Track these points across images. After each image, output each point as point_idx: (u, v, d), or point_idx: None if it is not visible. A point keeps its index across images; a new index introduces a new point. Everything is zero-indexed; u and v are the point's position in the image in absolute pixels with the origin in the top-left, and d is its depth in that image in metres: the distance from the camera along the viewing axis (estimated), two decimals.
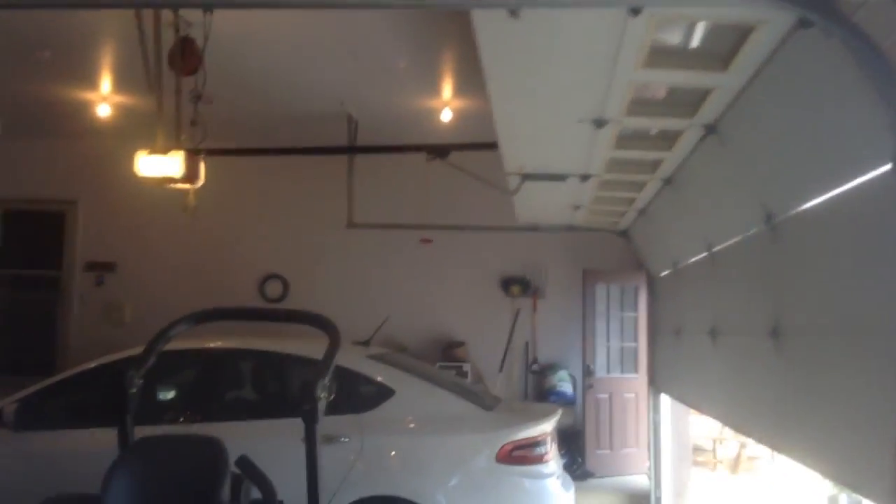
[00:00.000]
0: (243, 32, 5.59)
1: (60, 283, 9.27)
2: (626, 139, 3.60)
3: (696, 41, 2.55)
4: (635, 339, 8.79)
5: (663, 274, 5.88)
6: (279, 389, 5.73)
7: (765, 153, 2.93)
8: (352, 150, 7.75)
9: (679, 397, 5.67)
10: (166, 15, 5.21)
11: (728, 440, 9.02)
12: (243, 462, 3.46)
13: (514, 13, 2.16)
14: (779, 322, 2.97)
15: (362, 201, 8.18)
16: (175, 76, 5.51)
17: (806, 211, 2.68)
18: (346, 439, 4.68)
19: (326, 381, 3.60)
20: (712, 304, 4.23)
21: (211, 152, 5.88)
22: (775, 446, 3.16)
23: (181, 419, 4.93)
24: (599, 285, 8.90)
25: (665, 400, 6.44)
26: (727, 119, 3.01)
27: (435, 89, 6.90)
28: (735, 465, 9.03)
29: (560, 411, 5.35)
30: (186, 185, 5.65)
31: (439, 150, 5.82)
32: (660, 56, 2.52)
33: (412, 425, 4.90)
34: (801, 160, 2.62)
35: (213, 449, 3.64)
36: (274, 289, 9.14)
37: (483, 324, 8.92)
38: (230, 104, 6.50)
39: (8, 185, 9.15)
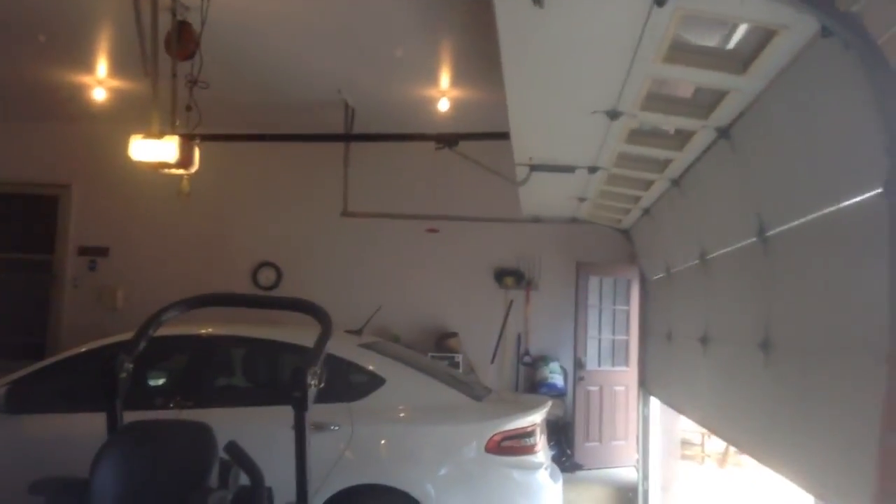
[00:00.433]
0: (240, 18, 5.57)
1: (53, 267, 9.25)
2: (638, 134, 3.60)
3: (717, 42, 2.54)
4: (627, 333, 8.83)
5: (657, 276, 5.88)
6: (270, 377, 5.74)
7: (769, 163, 2.92)
8: (348, 137, 7.74)
9: (668, 401, 5.67)
10: None
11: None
12: (232, 448, 3.47)
13: (538, 1, 2.15)
14: (768, 335, 2.97)
15: (357, 190, 8.17)
16: (171, 60, 5.49)
17: (799, 226, 2.67)
18: (336, 427, 4.69)
19: (317, 368, 3.61)
20: (704, 311, 4.22)
21: (206, 138, 5.86)
22: (760, 458, 3.17)
23: (171, 405, 4.92)
24: (592, 278, 8.92)
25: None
26: (740, 124, 2.99)
27: (433, 79, 6.89)
28: (723, 459, 9.08)
29: (550, 402, 5.37)
30: (181, 171, 5.63)
31: (448, 139, 5.77)
32: (680, 52, 2.51)
33: (402, 414, 4.91)
34: (801, 174, 2.61)
35: (203, 434, 3.66)
36: (267, 276, 9.13)
37: (476, 315, 8.94)
38: (226, 90, 6.48)
39: (1, 169, 9.12)
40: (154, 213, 8.92)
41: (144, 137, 5.42)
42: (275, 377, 5.69)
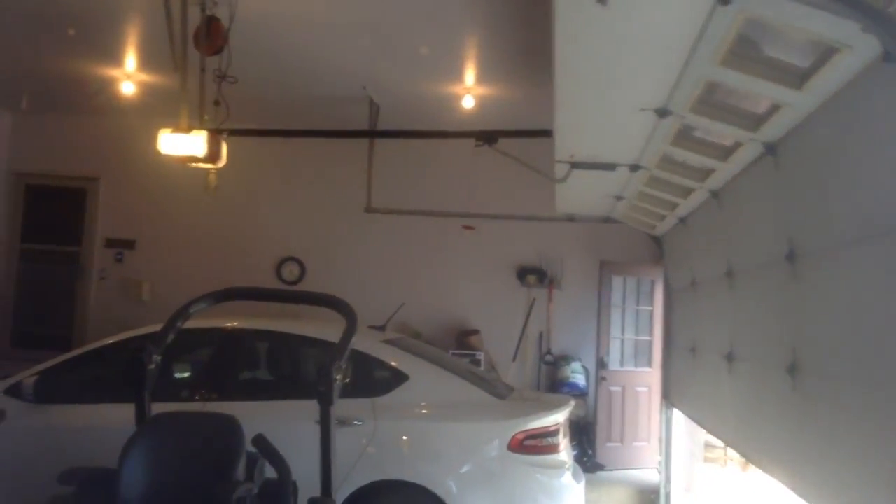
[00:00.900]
0: (268, 13, 5.59)
1: (80, 259, 9.35)
2: (684, 139, 3.56)
3: (775, 53, 2.48)
4: (650, 333, 8.77)
5: (684, 287, 5.82)
6: (294, 371, 5.76)
7: (811, 184, 2.84)
8: (373, 134, 7.75)
9: (691, 415, 5.62)
10: None
11: None
12: (260, 441, 3.49)
13: (602, 1, 2.14)
14: (796, 359, 2.92)
15: (381, 186, 8.19)
16: (200, 55, 5.52)
17: (831, 252, 2.62)
18: (360, 423, 4.69)
19: (342, 363, 3.62)
20: (730, 328, 4.17)
21: (233, 132, 5.89)
22: (788, 484, 3.12)
23: (196, 397, 4.96)
24: (616, 277, 8.89)
25: None
26: (788, 142, 2.92)
27: (457, 75, 6.88)
28: (746, 462, 8.99)
29: (573, 402, 5.35)
30: (208, 165, 5.66)
31: (487, 136, 5.73)
32: (738, 57, 2.46)
33: (425, 411, 4.91)
34: (841, 199, 2.54)
35: (230, 427, 3.68)
36: (291, 271, 9.17)
37: (498, 313, 8.91)
38: (253, 85, 6.50)
39: (31, 161, 9.26)
40: (180, 206, 8.98)
41: (173, 131, 5.46)
42: (299, 371, 5.71)
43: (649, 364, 8.70)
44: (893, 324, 2.10)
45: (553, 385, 8.73)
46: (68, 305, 9.26)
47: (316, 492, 3.59)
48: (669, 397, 6.48)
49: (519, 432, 4.74)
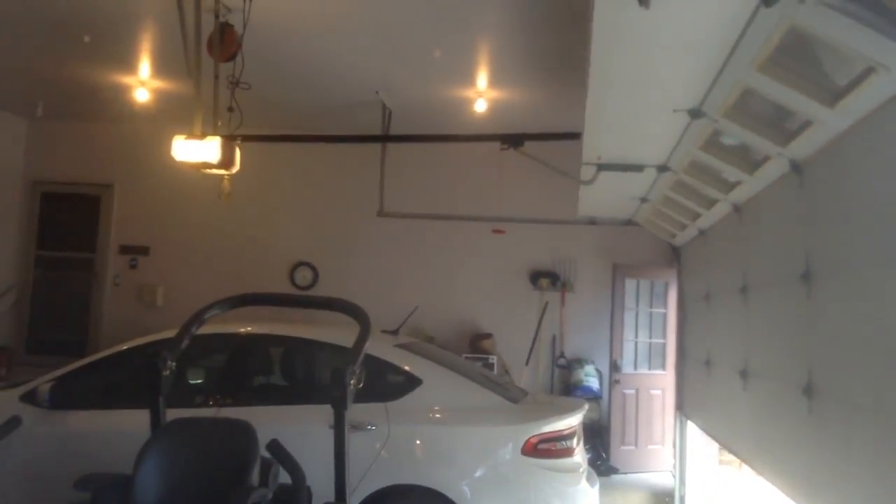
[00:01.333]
0: (281, 20, 5.62)
1: (95, 265, 9.41)
2: (714, 145, 3.53)
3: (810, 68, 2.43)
4: (664, 336, 8.73)
5: (699, 299, 5.80)
6: (308, 376, 5.77)
7: (834, 207, 2.79)
8: (386, 138, 7.77)
9: (706, 429, 5.59)
10: (207, 0, 5.25)
11: None
12: (274, 446, 3.50)
13: (644, 2, 2.13)
14: (812, 380, 2.89)
15: (393, 191, 8.21)
16: (213, 62, 5.55)
17: (850, 277, 2.58)
18: (373, 427, 4.69)
19: (356, 368, 3.63)
20: (745, 343, 4.14)
21: (246, 138, 5.92)
22: (801, 502, 3.10)
23: (210, 403, 4.97)
24: (629, 280, 8.85)
25: None
26: (815, 162, 2.88)
27: (470, 79, 6.89)
28: None
29: (587, 405, 5.33)
30: (222, 171, 5.68)
31: (513, 140, 5.74)
32: (776, 66, 2.43)
33: (438, 415, 4.90)
34: (863, 225, 2.50)
35: (244, 432, 3.68)
36: (304, 276, 9.20)
37: (510, 316, 8.90)
38: (266, 91, 6.53)
39: (46, 168, 9.34)
40: (194, 213, 9.04)
41: (187, 138, 5.48)
42: (312, 376, 5.72)
43: (663, 367, 8.65)
44: None
45: (566, 388, 8.71)
46: (83, 312, 9.33)
47: (330, 496, 3.60)
48: (684, 409, 6.45)
49: (533, 436, 4.73)
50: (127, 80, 7.36)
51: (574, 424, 4.94)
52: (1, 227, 9.26)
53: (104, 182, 9.38)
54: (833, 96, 2.40)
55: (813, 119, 2.62)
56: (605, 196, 5.36)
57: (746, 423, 4.09)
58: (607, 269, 8.81)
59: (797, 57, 2.45)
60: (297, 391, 5.56)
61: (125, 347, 5.28)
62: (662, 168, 4.25)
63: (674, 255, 7.00)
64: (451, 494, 4.61)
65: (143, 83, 7.42)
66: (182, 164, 5.56)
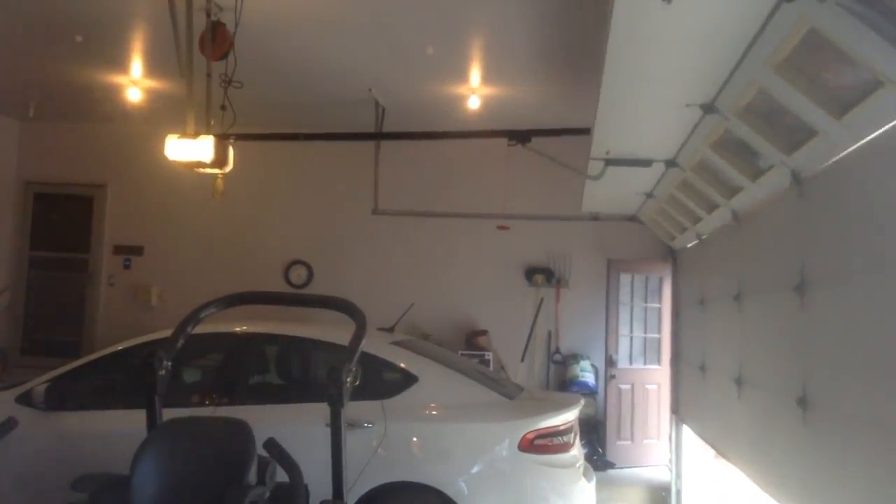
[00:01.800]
0: (273, 18, 5.60)
1: (89, 265, 9.39)
2: (722, 147, 3.53)
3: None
4: (659, 331, 8.75)
5: (694, 303, 5.83)
6: (304, 374, 5.77)
7: (832, 222, 2.78)
8: (379, 136, 7.76)
9: (701, 434, 5.60)
10: None
11: None
12: (271, 445, 3.50)
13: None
14: (806, 392, 2.89)
15: (387, 188, 8.20)
16: (205, 61, 5.54)
17: (844, 291, 2.58)
18: (370, 425, 4.70)
19: (352, 366, 3.63)
20: (739, 351, 4.15)
21: (240, 137, 5.91)
22: None
23: (206, 402, 4.97)
24: (623, 275, 8.86)
25: None
26: (818, 175, 2.89)
27: (463, 76, 6.88)
28: None
29: (583, 401, 5.35)
30: (215, 170, 5.67)
31: (520, 136, 5.75)
32: (791, 68, 2.42)
33: (435, 412, 4.91)
34: (860, 241, 2.48)
35: (241, 431, 3.69)
36: (299, 274, 9.19)
37: (506, 313, 8.91)
38: (259, 90, 6.52)
39: (39, 169, 9.32)
40: (188, 212, 9.03)
41: (180, 137, 5.47)
42: (308, 375, 5.72)
43: (658, 362, 8.67)
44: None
45: (562, 384, 8.72)
46: (77, 312, 9.30)
47: (327, 494, 3.60)
48: (679, 413, 6.46)
49: (529, 432, 4.74)
50: (119, 79, 7.34)
51: (570, 420, 4.95)
52: None
53: (97, 182, 9.35)
54: (842, 107, 2.40)
55: (819, 129, 2.62)
56: (610, 191, 5.37)
57: (742, 431, 4.10)
58: (601, 264, 8.82)
59: (813, 62, 2.45)
60: (294, 390, 5.57)
61: (120, 348, 5.27)
62: (671, 163, 4.26)
63: (670, 256, 7.02)
64: (448, 491, 4.62)
65: (135, 83, 7.40)
66: (175, 163, 5.54)
